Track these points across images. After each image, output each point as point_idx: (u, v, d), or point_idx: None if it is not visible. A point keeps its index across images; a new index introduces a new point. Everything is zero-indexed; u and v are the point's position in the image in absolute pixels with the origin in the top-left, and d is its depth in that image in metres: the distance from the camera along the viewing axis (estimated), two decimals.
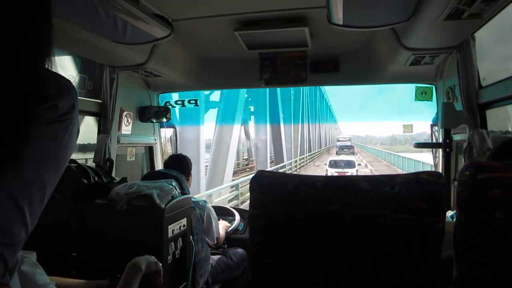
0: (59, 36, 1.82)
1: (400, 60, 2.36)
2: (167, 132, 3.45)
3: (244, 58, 2.80)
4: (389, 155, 36.19)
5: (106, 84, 2.58)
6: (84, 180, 1.99)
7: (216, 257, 2.54)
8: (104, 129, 2.61)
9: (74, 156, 2.69)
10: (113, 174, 2.49)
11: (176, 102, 3.30)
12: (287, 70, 2.79)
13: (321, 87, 34.63)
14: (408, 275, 1.02)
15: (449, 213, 2.02)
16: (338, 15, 1.66)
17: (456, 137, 2.46)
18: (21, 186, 0.64)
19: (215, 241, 2.57)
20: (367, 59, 2.74)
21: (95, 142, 2.62)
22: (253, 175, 1.13)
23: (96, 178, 2.07)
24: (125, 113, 2.79)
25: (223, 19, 2.22)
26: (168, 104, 3.25)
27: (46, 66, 0.73)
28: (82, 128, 2.78)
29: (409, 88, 3.02)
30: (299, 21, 2.21)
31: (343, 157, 28.59)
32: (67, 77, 0.75)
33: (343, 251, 1.04)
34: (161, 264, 1.58)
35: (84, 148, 3.41)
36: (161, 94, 3.29)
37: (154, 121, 3.07)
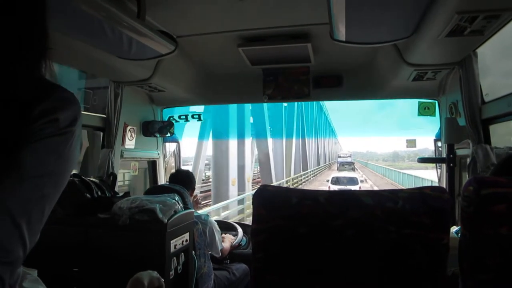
0: (65, 52, 1.85)
1: (403, 75, 2.38)
2: (171, 147, 3.47)
3: (248, 73, 2.83)
4: (400, 174, 32.35)
5: (110, 99, 2.61)
6: (87, 195, 1.99)
7: (218, 273, 2.51)
8: (107, 143, 2.63)
9: None
10: (116, 189, 2.49)
11: (179, 117, 3.32)
12: (290, 85, 2.81)
13: (320, 102, 33.96)
14: None
15: (454, 229, 2.00)
16: (341, 32, 1.68)
17: (460, 152, 2.46)
18: (19, 202, 0.62)
19: (219, 254, 2.56)
20: (369, 75, 2.76)
21: None
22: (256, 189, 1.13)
23: (99, 193, 2.07)
24: (128, 127, 2.81)
25: (227, 36, 2.25)
26: (171, 118, 3.27)
27: (46, 78, 0.72)
28: None
29: (411, 103, 3.03)
30: (302, 37, 2.24)
31: (346, 174, 28.27)
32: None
33: (347, 267, 1.03)
34: (163, 280, 1.57)
35: None
36: (165, 109, 3.32)
37: (158, 135, 3.08)
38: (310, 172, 34.71)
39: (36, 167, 0.64)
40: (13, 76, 0.66)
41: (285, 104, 20.86)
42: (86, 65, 2.29)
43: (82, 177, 2.10)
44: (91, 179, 2.17)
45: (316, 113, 41.92)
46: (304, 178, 29.95)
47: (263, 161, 19.91)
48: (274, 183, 16.88)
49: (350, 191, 1.08)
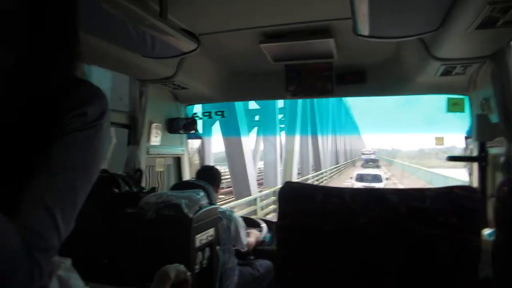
0: (91, 52, 1.90)
1: (430, 70, 2.31)
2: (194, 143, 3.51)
3: (270, 70, 2.82)
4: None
5: (135, 97, 2.67)
6: (115, 189, 2.04)
7: (242, 268, 2.53)
8: (134, 140, 2.69)
9: None
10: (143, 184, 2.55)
11: (203, 114, 3.36)
12: (313, 81, 2.78)
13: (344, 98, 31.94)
14: None
15: (487, 231, 1.92)
16: (364, 26, 1.65)
17: (492, 151, 2.37)
18: (52, 193, 0.65)
19: (245, 248, 2.59)
20: (394, 70, 2.69)
21: None
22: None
23: (126, 188, 2.12)
24: (153, 124, 2.86)
25: (248, 32, 2.25)
26: (195, 115, 3.31)
27: (76, 75, 0.75)
28: None
29: (439, 98, 2.91)
30: (324, 32, 2.21)
31: (370, 171, 27.52)
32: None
33: (371, 266, 1.02)
34: (189, 273, 1.60)
35: None
36: (188, 106, 3.36)
37: (182, 132, 3.12)
38: (326, 171, 30.76)
39: (66, 160, 0.67)
40: (46, 75, 0.69)
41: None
42: (112, 64, 2.35)
43: (110, 172, 2.16)
44: (119, 174, 2.23)
45: (335, 107, 38.66)
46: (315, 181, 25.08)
47: (232, 165, 15.05)
48: (253, 194, 13.46)
49: (376, 189, 1.07)
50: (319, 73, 2.75)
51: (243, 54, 2.65)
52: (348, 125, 54.04)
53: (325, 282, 1.05)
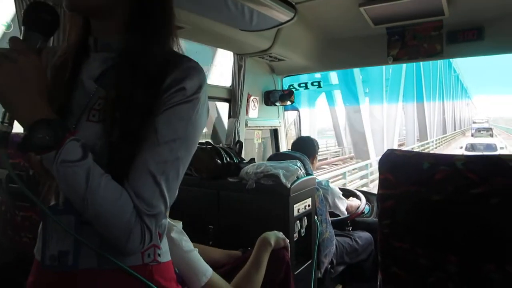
0: (193, 29, 2.01)
1: None
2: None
3: (370, 34, 2.65)
4: None
5: (234, 71, 2.76)
6: (218, 160, 2.17)
7: (340, 239, 2.53)
8: (233, 113, 2.81)
9: None
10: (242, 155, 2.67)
11: (299, 85, 3.33)
12: (418, 43, 2.53)
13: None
14: None
15: None
16: None
17: None
18: (158, 163, 0.71)
19: (345, 213, 2.61)
20: None
21: None
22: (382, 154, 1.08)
23: (228, 159, 2.24)
24: (252, 97, 2.94)
25: None
26: (291, 87, 3.30)
27: (174, 49, 0.81)
28: None
29: None
30: None
31: (482, 140, 24.53)
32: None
33: (490, 240, 0.92)
34: (288, 241, 1.65)
35: None
36: (285, 78, 3.36)
37: (278, 104, 3.16)
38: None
39: (169, 132, 0.73)
40: (149, 51, 0.76)
41: None
42: (211, 40, 2.44)
43: (213, 144, 2.30)
44: (221, 146, 2.36)
45: (436, 69, 33.25)
46: None
47: None
48: None
49: (495, 155, 0.96)
50: (427, 33, 2.48)
51: (341, 20, 2.53)
52: (454, 87, 48.24)
53: (434, 254, 0.99)
